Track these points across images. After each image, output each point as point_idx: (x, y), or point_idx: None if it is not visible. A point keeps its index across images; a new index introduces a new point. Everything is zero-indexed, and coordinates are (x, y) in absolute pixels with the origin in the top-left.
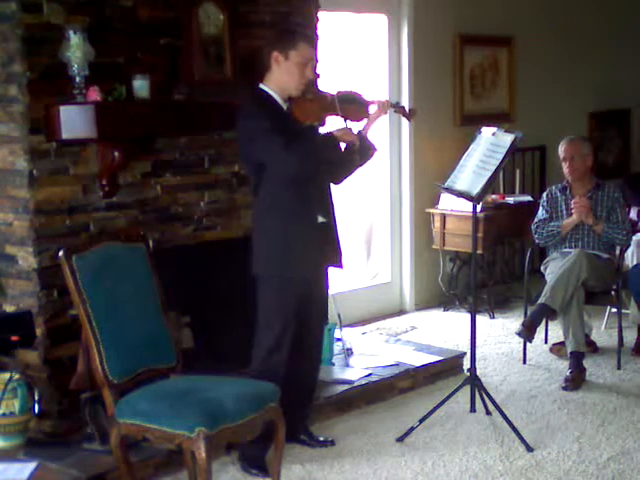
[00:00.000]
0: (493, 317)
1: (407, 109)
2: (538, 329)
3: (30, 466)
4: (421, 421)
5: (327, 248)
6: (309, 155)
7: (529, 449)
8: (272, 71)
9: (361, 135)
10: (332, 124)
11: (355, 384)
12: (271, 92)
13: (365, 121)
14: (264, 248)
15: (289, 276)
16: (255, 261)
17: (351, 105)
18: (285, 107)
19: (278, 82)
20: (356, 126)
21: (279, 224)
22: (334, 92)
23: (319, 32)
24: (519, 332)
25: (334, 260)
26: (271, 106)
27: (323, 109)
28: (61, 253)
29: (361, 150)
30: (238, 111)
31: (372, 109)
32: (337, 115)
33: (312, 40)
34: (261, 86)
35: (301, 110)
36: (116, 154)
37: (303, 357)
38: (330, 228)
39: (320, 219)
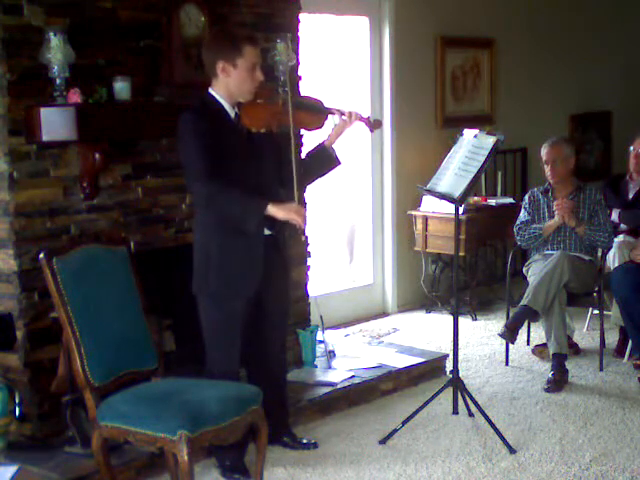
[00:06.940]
0: (475, 319)
1: (371, 120)
2: (520, 331)
3: (11, 470)
4: (404, 423)
5: (273, 261)
6: (217, 201)
7: (512, 451)
8: (219, 80)
9: (324, 146)
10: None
11: (338, 386)
12: (219, 98)
13: (323, 130)
14: (198, 265)
15: (224, 296)
16: (193, 279)
17: (306, 112)
18: (233, 114)
19: (227, 90)
20: (311, 135)
21: (212, 240)
22: (287, 97)
23: (300, 34)
24: (502, 334)
25: (280, 273)
26: (214, 116)
27: (273, 115)
28: (42, 255)
29: (324, 162)
30: (178, 118)
31: (336, 120)
32: (287, 122)
33: (255, 40)
34: (210, 91)
35: (249, 116)
36: (97, 156)
37: (266, 367)
38: (275, 240)
39: (266, 232)
